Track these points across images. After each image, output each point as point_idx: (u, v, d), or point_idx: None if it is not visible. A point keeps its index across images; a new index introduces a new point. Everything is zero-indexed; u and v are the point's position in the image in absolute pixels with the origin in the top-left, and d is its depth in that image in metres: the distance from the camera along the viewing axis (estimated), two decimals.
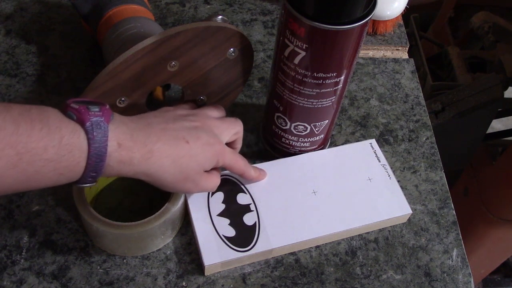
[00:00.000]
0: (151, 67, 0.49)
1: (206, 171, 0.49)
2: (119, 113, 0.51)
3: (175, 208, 0.50)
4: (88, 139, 0.39)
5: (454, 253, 0.55)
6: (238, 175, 0.54)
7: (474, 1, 1.34)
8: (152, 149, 0.44)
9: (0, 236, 0.52)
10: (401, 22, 0.76)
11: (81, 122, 0.39)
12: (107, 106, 0.42)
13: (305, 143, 0.58)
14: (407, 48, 0.74)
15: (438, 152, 0.63)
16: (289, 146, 0.58)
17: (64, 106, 0.40)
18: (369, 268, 0.54)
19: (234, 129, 0.53)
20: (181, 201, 0.51)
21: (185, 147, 0.46)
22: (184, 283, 0.51)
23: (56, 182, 0.40)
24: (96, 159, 0.40)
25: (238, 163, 0.52)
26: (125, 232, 0.48)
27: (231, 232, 0.52)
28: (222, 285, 0.51)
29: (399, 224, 0.57)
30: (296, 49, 0.47)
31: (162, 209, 0.50)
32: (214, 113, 0.53)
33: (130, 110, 0.51)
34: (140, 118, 0.46)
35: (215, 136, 0.49)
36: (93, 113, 0.40)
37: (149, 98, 0.53)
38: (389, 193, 0.57)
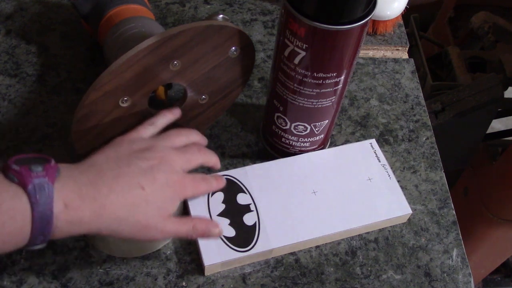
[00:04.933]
0: (153, 67, 0.49)
1: (174, 216, 0.46)
2: (123, 113, 0.51)
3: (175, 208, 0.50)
4: (31, 203, 0.36)
5: (454, 253, 0.55)
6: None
7: (474, 1, 1.34)
8: (103, 203, 0.41)
9: None
10: (401, 22, 0.76)
11: (23, 185, 0.37)
12: (52, 163, 0.39)
13: (305, 143, 0.58)
14: (407, 48, 0.74)
15: (438, 152, 0.63)
16: (289, 146, 0.58)
17: (6, 167, 0.37)
18: (369, 268, 0.54)
19: (196, 161, 0.49)
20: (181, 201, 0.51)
21: (141, 194, 0.43)
22: (184, 283, 0.51)
23: (2, 249, 0.37)
24: (41, 223, 0.37)
25: (200, 190, 0.49)
26: None
27: (231, 232, 0.52)
28: (222, 285, 0.51)
29: (399, 224, 0.57)
30: (296, 49, 0.48)
31: None
32: (177, 140, 0.49)
33: (132, 110, 0.51)
34: (91, 165, 0.43)
35: (174, 172, 0.46)
36: (35, 174, 0.37)
37: (151, 98, 0.53)
38: (389, 193, 0.57)
